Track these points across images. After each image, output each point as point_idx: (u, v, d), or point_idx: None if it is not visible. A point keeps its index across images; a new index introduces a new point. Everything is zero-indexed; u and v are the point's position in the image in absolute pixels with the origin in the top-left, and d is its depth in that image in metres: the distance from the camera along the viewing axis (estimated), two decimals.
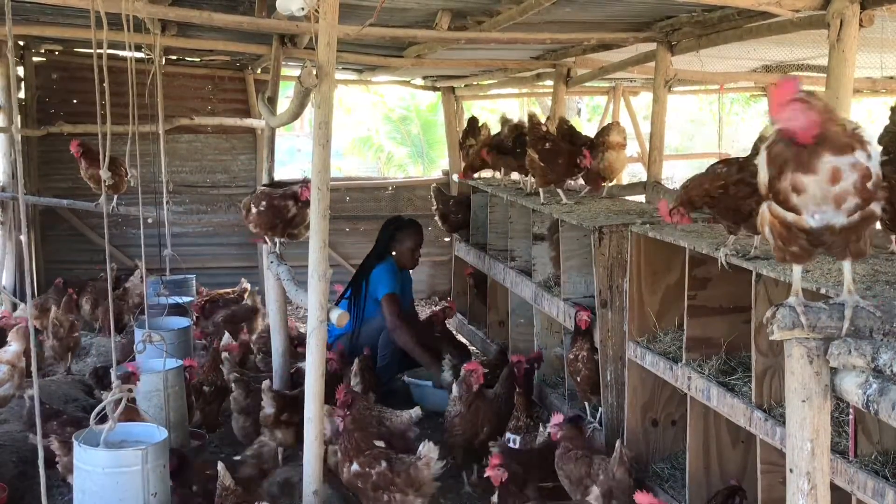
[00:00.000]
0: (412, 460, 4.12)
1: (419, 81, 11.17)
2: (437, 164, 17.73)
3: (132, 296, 8.14)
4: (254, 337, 7.14)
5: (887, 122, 3.88)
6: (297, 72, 4.14)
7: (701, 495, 4.25)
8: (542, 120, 6.35)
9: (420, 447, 4.15)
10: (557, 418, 4.51)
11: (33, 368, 2.89)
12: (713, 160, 4.49)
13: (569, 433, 4.41)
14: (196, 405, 5.52)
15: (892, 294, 3.00)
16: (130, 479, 3.79)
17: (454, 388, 5.13)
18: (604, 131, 6.35)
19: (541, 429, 4.81)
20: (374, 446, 4.24)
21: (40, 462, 2.92)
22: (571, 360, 5.18)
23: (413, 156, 19.99)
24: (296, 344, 6.43)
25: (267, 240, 5.89)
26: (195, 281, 8.59)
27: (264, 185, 6.71)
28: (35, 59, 9.52)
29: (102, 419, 3.79)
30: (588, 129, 17.60)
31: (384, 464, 4.09)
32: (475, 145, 7.59)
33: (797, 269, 2.59)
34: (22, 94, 9.42)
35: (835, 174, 2.26)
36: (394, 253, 6.92)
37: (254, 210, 5.73)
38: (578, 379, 5.16)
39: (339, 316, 4.23)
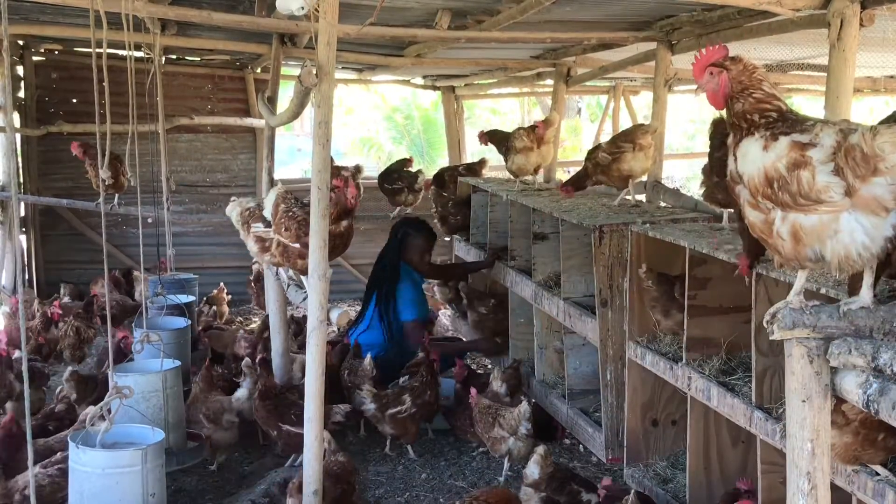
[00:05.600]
0: None
1: (419, 81, 11.17)
2: (437, 163, 17.72)
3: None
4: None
5: None
6: (297, 71, 4.13)
7: (701, 495, 4.24)
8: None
9: None
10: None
11: (23, 359, 2.87)
12: None
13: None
14: None
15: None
16: (130, 480, 3.78)
17: None
18: (635, 133, 5.83)
19: None
20: None
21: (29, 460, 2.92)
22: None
23: (413, 155, 20.01)
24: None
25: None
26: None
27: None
28: (35, 58, 9.51)
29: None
30: (590, 129, 17.68)
31: None
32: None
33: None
34: (22, 94, 9.41)
35: None
36: (403, 256, 6.78)
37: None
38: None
39: (339, 316, 4.24)
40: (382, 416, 5.44)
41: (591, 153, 5.91)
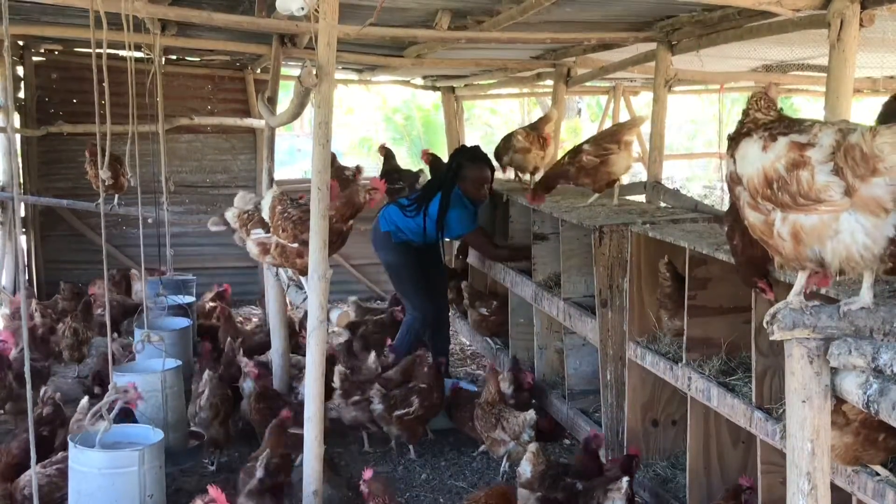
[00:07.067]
0: None
1: (419, 81, 11.16)
2: None
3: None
4: None
5: None
6: (297, 72, 4.13)
7: (701, 496, 4.24)
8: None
9: None
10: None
11: (26, 358, 2.87)
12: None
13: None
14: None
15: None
16: (127, 480, 3.78)
17: None
18: (620, 131, 5.71)
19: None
20: None
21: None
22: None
23: (414, 156, 20.01)
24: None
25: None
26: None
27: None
28: (35, 58, 9.51)
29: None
30: (590, 129, 17.65)
31: None
32: None
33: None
34: (22, 94, 9.41)
35: None
36: (459, 186, 6.48)
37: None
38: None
39: (339, 316, 4.24)
40: (389, 417, 5.41)
41: (574, 156, 5.61)
